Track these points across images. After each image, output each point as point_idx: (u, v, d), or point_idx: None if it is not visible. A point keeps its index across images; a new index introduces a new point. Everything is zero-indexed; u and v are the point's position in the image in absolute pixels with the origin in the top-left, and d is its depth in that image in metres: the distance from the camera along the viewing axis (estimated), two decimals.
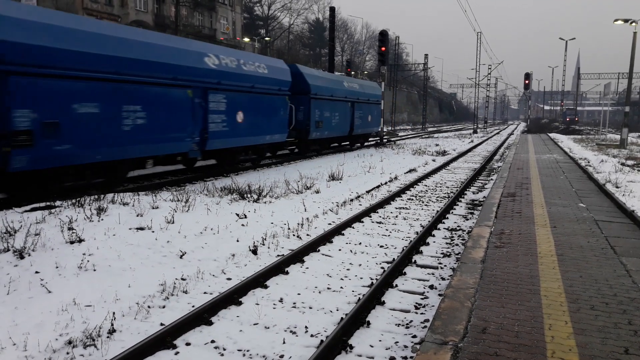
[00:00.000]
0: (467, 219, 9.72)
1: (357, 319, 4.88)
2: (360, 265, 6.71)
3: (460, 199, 11.96)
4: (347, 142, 26.81)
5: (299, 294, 5.61)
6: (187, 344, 4.40)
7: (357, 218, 9.23)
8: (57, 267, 5.68)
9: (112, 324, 4.55)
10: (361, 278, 6.19)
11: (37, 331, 4.39)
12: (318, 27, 78.08)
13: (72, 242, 6.37)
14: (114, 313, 4.77)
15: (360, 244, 7.75)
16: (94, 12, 37.30)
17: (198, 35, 45.60)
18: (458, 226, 9.12)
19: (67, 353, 4.09)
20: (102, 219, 7.37)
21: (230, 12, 56.68)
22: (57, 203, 8.16)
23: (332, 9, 35.07)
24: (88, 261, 5.90)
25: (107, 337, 4.40)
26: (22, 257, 5.79)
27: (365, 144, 29.42)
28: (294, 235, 7.95)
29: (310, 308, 5.23)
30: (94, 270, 5.75)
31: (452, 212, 10.36)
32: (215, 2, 53.47)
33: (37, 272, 5.52)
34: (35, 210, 7.56)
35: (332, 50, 35.48)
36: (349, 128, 24.43)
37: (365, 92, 26.58)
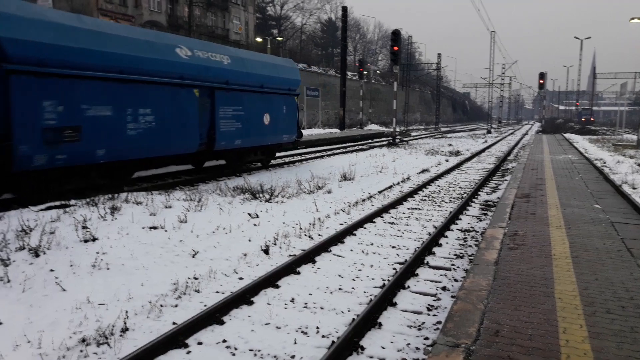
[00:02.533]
0: (481, 220, 9.63)
1: (368, 320, 4.86)
2: (372, 265, 6.68)
3: (473, 199, 11.86)
4: (206, 163, 15.27)
5: (310, 294, 5.60)
6: (199, 343, 4.42)
7: (369, 218, 9.20)
8: (71, 266, 5.74)
9: (125, 323, 4.59)
10: (373, 279, 6.16)
11: (51, 329, 4.44)
12: (330, 27, 78.05)
13: (86, 241, 6.44)
14: (126, 312, 4.81)
15: (372, 244, 7.73)
16: (109, 12, 37.70)
17: (211, 35, 45.85)
18: (471, 227, 9.05)
19: (81, 351, 4.13)
20: (115, 218, 7.44)
21: (243, 12, 56.89)
22: (72, 202, 8.25)
23: (345, 9, 35.04)
24: (102, 260, 5.95)
25: (120, 335, 4.43)
26: (37, 256, 5.86)
27: (273, 161, 17.93)
28: (305, 235, 7.95)
29: (322, 308, 5.22)
30: (108, 269, 5.80)
31: (466, 213, 10.28)
32: (228, 3, 53.70)
33: (51, 271, 5.58)
34: (50, 209, 7.65)
35: (344, 50, 35.47)
36: (200, 139, 12.45)
37: (255, 74, 14.49)
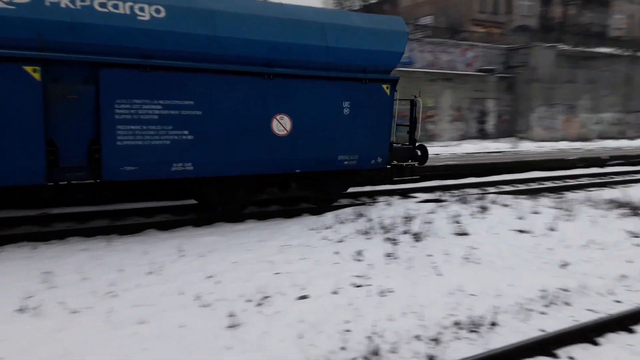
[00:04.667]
0: None
1: None
2: None
3: None
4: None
5: None
6: (570, 358, 4.20)
7: None
8: (445, 254, 6.36)
9: (494, 318, 4.78)
10: None
11: (429, 306, 5.04)
12: None
13: (458, 234, 7.02)
14: (495, 307, 5.00)
15: None
16: (481, 21, 39.25)
17: (585, 34, 41.65)
18: None
19: (455, 332, 4.55)
20: (484, 217, 7.77)
21: (628, 4, 49.36)
22: (444, 197, 9.10)
23: None
24: (472, 254, 6.37)
25: (489, 328, 4.65)
26: (417, 240, 6.76)
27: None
28: None
29: None
30: (478, 263, 6.16)
31: None
32: None
33: (429, 255, 6.32)
34: (428, 201, 8.65)
35: None
36: (46, 162, 6.58)
37: (239, 39, 7.53)
